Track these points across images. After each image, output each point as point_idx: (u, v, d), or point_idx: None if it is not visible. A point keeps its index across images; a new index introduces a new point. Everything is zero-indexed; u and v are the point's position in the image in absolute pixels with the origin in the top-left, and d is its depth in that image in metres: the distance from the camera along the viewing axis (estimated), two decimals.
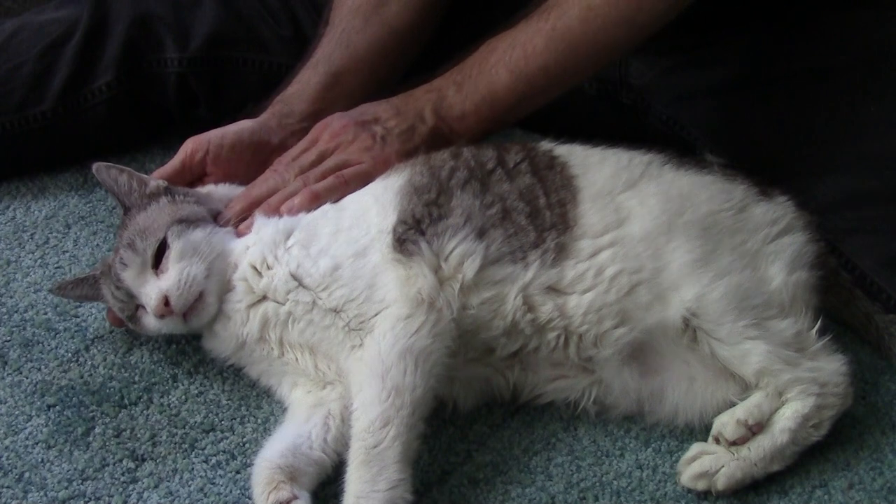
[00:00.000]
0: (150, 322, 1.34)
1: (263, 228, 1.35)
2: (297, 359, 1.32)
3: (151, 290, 1.31)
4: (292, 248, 1.32)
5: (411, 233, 1.30)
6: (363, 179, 1.40)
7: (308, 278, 1.29)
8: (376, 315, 1.27)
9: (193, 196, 1.40)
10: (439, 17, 1.63)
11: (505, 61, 1.44)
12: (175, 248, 1.32)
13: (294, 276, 1.29)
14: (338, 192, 1.39)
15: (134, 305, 1.35)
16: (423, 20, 1.60)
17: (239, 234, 1.37)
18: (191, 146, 1.47)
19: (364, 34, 1.57)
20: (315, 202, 1.37)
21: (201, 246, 1.32)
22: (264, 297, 1.31)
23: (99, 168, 1.40)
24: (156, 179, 1.41)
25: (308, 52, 1.60)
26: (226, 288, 1.34)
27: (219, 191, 1.45)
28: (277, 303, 1.30)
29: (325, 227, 1.33)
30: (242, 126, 1.51)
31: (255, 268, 1.32)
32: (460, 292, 1.28)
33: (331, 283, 1.29)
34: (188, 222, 1.34)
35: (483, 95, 1.45)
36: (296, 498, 1.20)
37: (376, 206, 1.34)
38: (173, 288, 1.30)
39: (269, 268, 1.31)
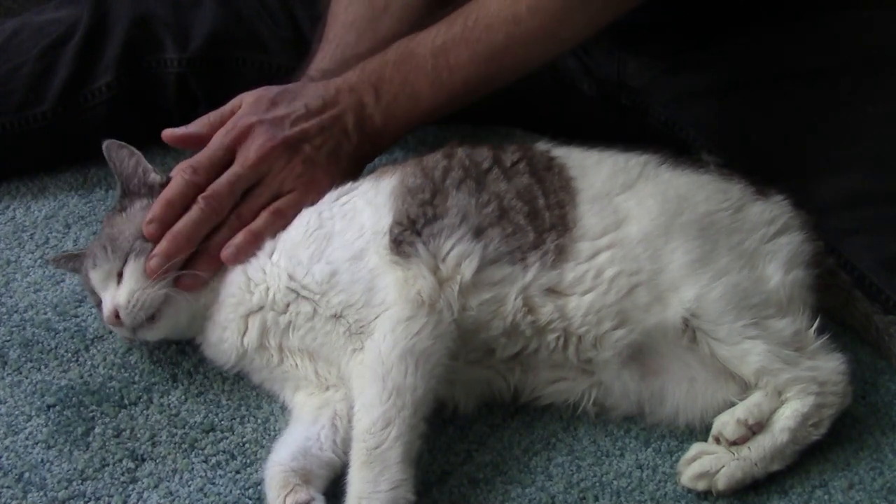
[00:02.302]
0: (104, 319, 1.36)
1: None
2: (297, 364, 1.32)
3: (108, 300, 1.33)
4: (279, 262, 1.31)
5: (407, 234, 1.30)
6: (297, 209, 1.37)
7: (304, 290, 1.29)
8: (377, 318, 1.27)
9: None
10: None
11: (427, 72, 1.43)
12: (133, 266, 1.32)
13: (291, 289, 1.29)
14: (275, 229, 1.35)
15: (98, 299, 1.37)
16: None
17: (184, 287, 1.33)
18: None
19: (357, 50, 1.55)
20: (256, 243, 1.34)
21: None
22: (261, 308, 1.31)
23: (110, 146, 1.40)
24: (156, 173, 1.40)
25: (302, 66, 1.58)
26: (202, 306, 1.34)
27: None
28: (276, 312, 1.30)
29: (315, 232, 1.33)
30: None
31: (240, 288, 1.32)
32: (460, 293, 1.28)
33: (329, 289, 1.28)
34: None
35: (405, 108, 1.44)
36: (313, 500, 1.19)
37: (369, 208, 1.33)
38: (122, 306, 1.31)
39: (256, 284, 1.31)
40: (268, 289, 1.30)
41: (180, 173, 1.38)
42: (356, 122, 1.43)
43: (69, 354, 1.43)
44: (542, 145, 1.40)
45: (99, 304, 1.37)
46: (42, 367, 1.42)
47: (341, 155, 1.42)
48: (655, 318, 1.29)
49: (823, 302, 1.37)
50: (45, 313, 1.49)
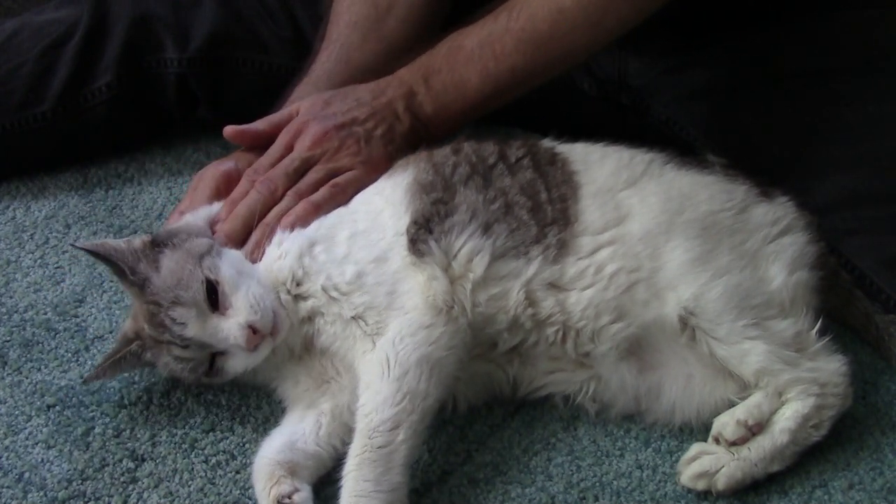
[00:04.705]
0: (237, 363, 1.27)
1: (286, 243, 1.32)
2: (311, 363, 1.33)
3: (231, 329, 1.24)
4: (318, 256, 1.31)
5: (422, 232, 1.30)
6: (357, 187, 1.39)
7: (334, 290, 1.29)
8: (394, 320, 1.27)
9: (184, 232, 1.34)
10: (436, 32, 1.62)
11: (474, 62, 1.45)
12: (223, 279, 1.26)
13: (324, 289, 1.29)
14: (335, 202, 1.37)
15: (208, 357, 1.27)
16: (420, 35, 1.59)
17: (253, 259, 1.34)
18: (219, 179, 1.44)
19: (362, 50, 1.56)
20: (315, 214, 1.35)
21: (239, 267, 1.29)
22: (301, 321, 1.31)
23: (94, 245, 1.31)
24: (140, 236, 1.33)
25: (306, 66, 1.59)
26: None
27: (195, 218, 1.39)
28: (310, 321, 1.30)
29: (341, 232, 1.33)
30: (253, 155, 1.48)
31: (286, 287, 1.30)
32: (471, 291, 1.28)
33: (355, 289, 1.28)
34: (208, 254, 1.29)
35: (453, 97, 1.46)
36: (297, 490, 1.21)
37: (389, 207, 1.34)
38: (252, 314, 1.24)
39: (298, 284, 1.30)
40: (307, 290, 1.29)
41: (244, 177, 1.41)
42: (406, 106, 1.46)
43: (69, 354, 1.44)
44: (547, 142, 1.40)
45: (207, 370, 1.27)
46: (42, 367, 1.42)
47: (395, 136, 1.44)
48: (653, 313, 1.29)
49: (824, 301, 1.37)
50: (45, 313, 1.50)
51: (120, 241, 1.32)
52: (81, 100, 1.73)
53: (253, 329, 1.24)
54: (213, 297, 1.26)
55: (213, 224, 1.37)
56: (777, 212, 1.37)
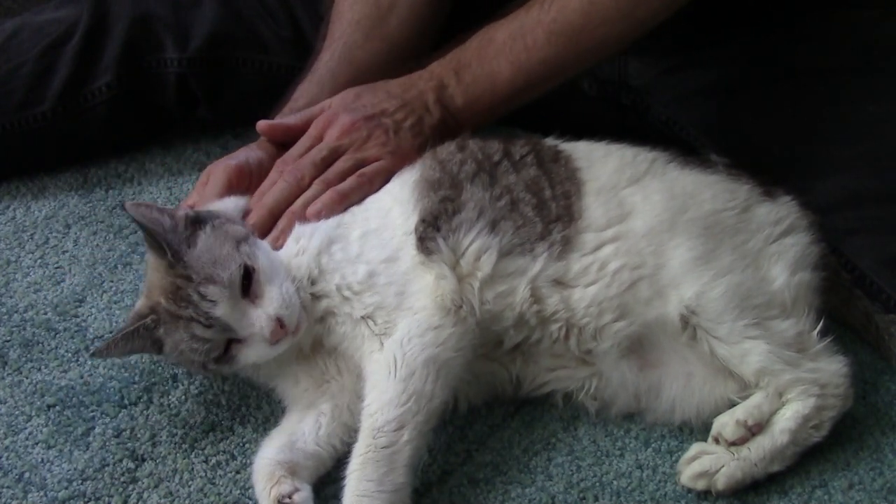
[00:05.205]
0: (253, 353, 1.25)
1: (304, 239, 1.32)
2: (311, 360, 1.33)
3: (260, 317, 1.23)
4: (336, 254, 1.31)
5: (430, 231, 1.30)
6: (385, 177, 1.39)
7: (347, 290, 1.29)
8: (403, 320, 1.27)
9: (224, 216, 1.32)
10: (437, 31, 1.62)
11: (505, 54, 1.45)
12: (260, 268, 1.25)
13: (338, 288, 1.29)
14: (363, 192, 1.37)
15: (224, 342, 1.24)
16: (422, 34, 1.59)
17: (277, 248, 1.33)
18: (231, 173, 1.43)
19: (365, 49, 1.56)
20: (342, 203, 1.35)
21: (273, 259, 1.29)
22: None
23: (134, 207, 1.27)
24: (184, 209, 1.32)
25: (308, 65, 1.58)
26: None
27: (224, 207, 1.38)
28: (320, 321, 1.30)
29: (354, 230, 1.33)
30: (262, 151, 1.49)
31: (302, 285, 1.29)
32: (479, 289, 1.28)
33: (366, 289, 1.28)
34: (245, 241, 1.28)
35: (484, 88, 1.46)
36: (297, 490, 1.21)
37: (397, 206, 1.34)
38: (282, 308, 1.23)
39: (313, 283, 1.30)
40: (323, 290, 1.29)
41: (273, 168, 1.42)
42: (437, 98, 1.46)
43: (69, 354, 1.44)
44: (550, 139, 1.41)
45: (221, 355, 1.25)
46: (42, 367, 1.42)
47: (424, 128, 1.44)
48: (655, 312, 1.29)
49: (825, 301, 1.37)
50: (45, 313, 1.50)
51: (163, 210, 1.29)
52: (81, 100, 1.73)
53: (280, 323, 1.24)
54: (246, 284, 1.25)
55: (243, 217, 1.37)
56: (780, 212, 1.36)
